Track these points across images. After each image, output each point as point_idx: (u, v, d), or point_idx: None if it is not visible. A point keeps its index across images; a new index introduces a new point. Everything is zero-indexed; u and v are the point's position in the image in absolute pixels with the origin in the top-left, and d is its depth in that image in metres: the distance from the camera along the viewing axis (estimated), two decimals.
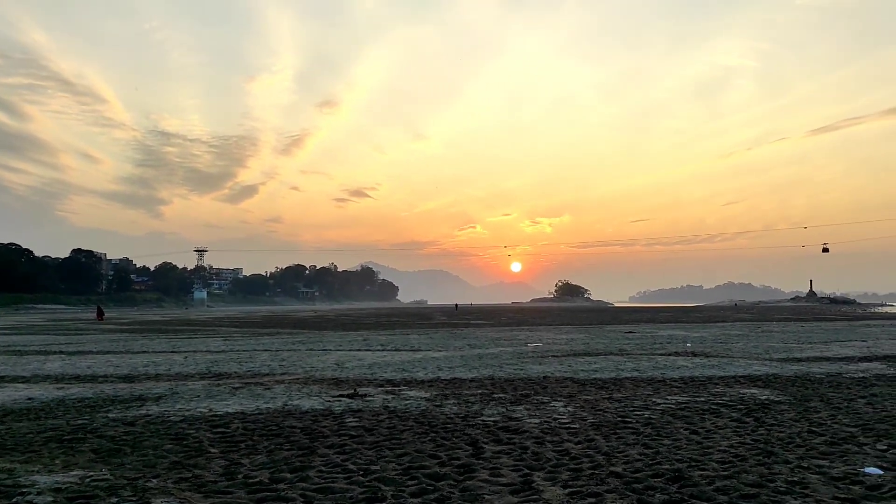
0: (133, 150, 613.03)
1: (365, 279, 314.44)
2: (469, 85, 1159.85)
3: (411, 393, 9.92)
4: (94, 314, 57.70)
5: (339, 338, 25.46)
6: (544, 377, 11.74)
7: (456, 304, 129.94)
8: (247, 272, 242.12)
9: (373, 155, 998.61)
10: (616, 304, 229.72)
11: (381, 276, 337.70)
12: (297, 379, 11.87)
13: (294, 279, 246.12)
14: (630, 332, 27.44)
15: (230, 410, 8.43)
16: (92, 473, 5.45)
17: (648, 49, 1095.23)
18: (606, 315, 63.00)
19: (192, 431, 7.10)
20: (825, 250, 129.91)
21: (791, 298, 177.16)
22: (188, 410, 8.46)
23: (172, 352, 18.78)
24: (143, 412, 8.38)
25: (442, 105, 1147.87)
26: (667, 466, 5.48)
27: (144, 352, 18.99)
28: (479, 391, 10.03)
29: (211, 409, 8.50)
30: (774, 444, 6.27)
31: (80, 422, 7.74)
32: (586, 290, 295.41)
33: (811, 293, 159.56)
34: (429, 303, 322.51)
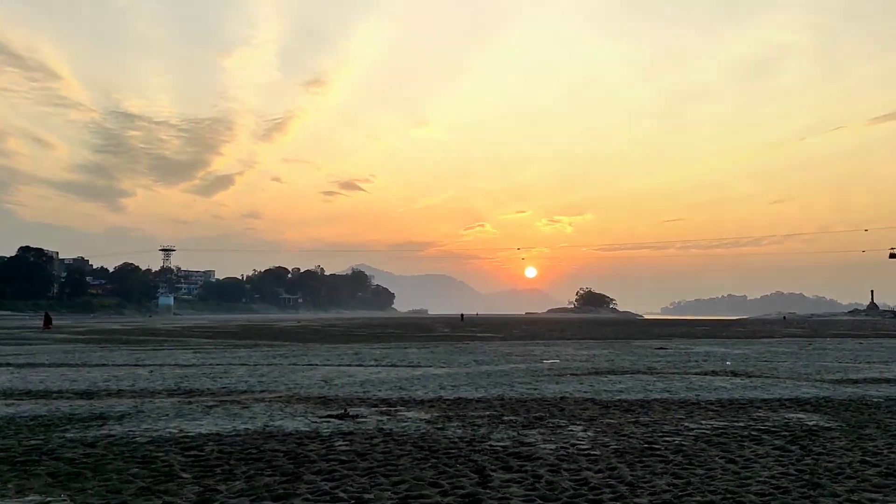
0: (91, 133, 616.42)
1: (356, 284, 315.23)
2: (478, 62, 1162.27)
3: (409, 414, 10.06)
4: (42, 322, 58.06)
5: (327, 351, 25.65)
6: (562, 398, 11.88)
7: (461, 315, 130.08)
8: (220, 275, 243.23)
9: (366, 142, 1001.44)
10: (646, 316, 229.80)
11: (374, 282, 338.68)
12: (280, 397, 12.02)
13: (274, 283, 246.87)
14: (661, 348, 27.59)
15: (204, 431, 8.58)
16: (50, 499, 5.58)
17: (688, 23, 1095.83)
18: (634, 328, 63.09)
19: (160, 454, 7.24)
20: (893, 256, 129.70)
21: (849, 311, 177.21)
22: (156, 431, 8.61)
23: (136, 365, 18.97)
24: (105, 432, 8.52)
25: (447, 85, 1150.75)
26: (699, 499, 5.59)
27: (104, 365, 19.18)
28: (487, 413, 10.17)
29: (182, 430, 8.65)
30: (822, 475, 6.38)
31: (33, 442, 7.89)
32: (612, 300, 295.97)
33: (872, 305, 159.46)
34: (430, 312, 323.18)
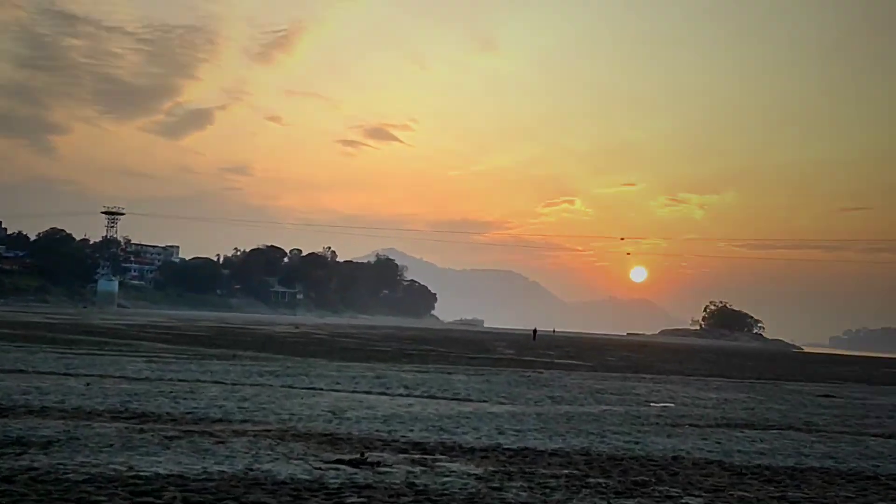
0: (14, 40, 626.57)
1: (382, 278, 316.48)
2: None
3: (453, 466, 10.18)
4: None
5: (337, 371, 25.94)
6: (675, 457, 11.92)
7: (534, 330, 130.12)
8: (186, 253, 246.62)
9: (408, 71, 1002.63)
10: (806, 349, 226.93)
11: (408, 275, 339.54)
12: (269, 430, 12.25)
13: (264, 270, 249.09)
14: (826, 396, 27.43)
15: (162, 471, 8.78)
16: None
17: None
18: (788, 365, 62.41)
19: (102, 498, 7.46)
20: None
21: None
22: (95, 466, 8.84)
23: (66, 374, 19.54)
24: (26, 464, 8.79)
25: None
26: None
27: (21, 371, 19.84)
28: (565, 471, 10.24)
29: (132, 468, 8.85)
30: None
31: None
32: (756, 322, 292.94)
33: None
34: (486, 324, 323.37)
